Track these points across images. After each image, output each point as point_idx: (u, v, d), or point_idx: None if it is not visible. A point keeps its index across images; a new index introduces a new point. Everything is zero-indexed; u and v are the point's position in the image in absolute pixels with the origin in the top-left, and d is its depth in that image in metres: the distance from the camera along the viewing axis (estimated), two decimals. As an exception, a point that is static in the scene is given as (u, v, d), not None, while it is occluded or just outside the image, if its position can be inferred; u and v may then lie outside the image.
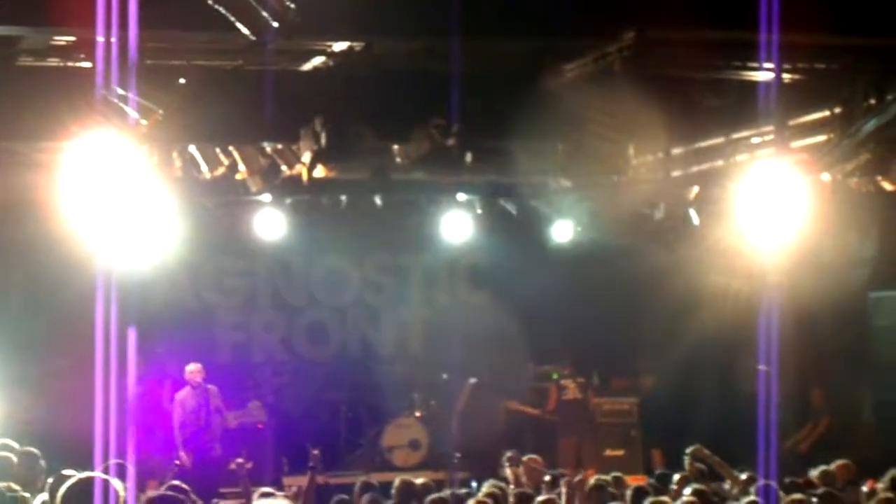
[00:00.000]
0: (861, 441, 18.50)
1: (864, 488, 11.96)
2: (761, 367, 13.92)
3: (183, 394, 17.07)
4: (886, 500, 11.22)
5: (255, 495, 11.72)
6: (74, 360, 13.28)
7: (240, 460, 16.99)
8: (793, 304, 15.56)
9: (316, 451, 12.99)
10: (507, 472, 14.85)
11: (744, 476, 12.78)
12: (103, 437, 8.41)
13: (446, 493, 12.92)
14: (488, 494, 12.00)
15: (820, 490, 11.59)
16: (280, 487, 16.30)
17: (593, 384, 19.20)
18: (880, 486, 11.87)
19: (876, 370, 18.85)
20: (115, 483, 5.75)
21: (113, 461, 8.03)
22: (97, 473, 5.92)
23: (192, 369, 17.08)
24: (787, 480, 12.55)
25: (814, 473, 13.07)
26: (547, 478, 13.75)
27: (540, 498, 11.63)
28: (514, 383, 19.50)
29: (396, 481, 12.86)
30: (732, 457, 14.15)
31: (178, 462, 16.74)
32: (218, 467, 16.98)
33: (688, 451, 13.87)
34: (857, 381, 19.09)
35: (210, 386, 17.15)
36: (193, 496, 10.74)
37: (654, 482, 13.79)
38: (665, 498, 11.59)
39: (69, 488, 5.79)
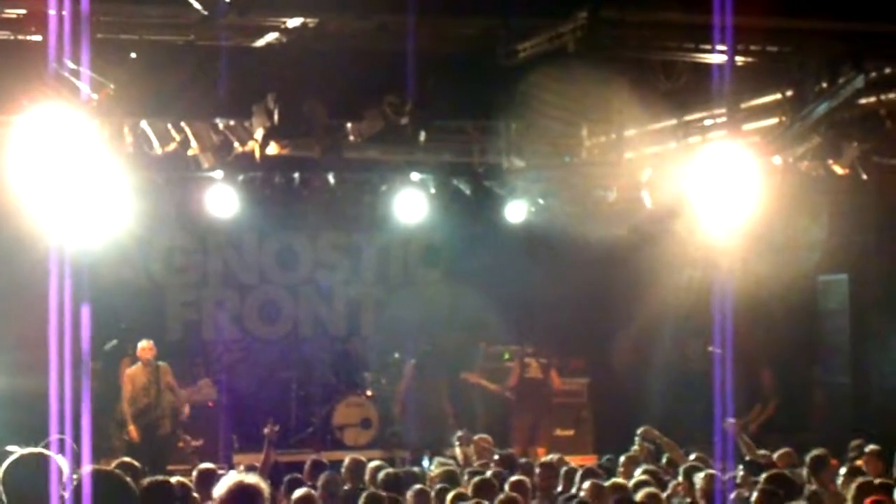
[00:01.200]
0: (809, 423, 18.67)
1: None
2: (714, 348, 14.01)
3: (134, 370, 17.00)
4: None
5: (195, 471, 11.71)
6: (27, 336, 13.21)
7: (187, 437, 16.97)
8: (744, 286, 15.67)
9: (276, 427, 13.00)
10: (458, 451, 14.90)
11: (692, 457, 12.87)
12: (58, 412, 8.37)
13: (399, 470, 12.97)
14: (444, 477, 12.02)
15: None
16: (231, 465, 16.29)
17: (554, 364, 19.22)
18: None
19: (824, 353, 18.99)
20: (59, 459, 5.71)
21: (55, 437, 7.97)
22: (40, 449, 5.88)
23: (144, 346, 17.02)
24: (747, 459, 12.70)
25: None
26: (496, 457, 13.81)
27: (514, 477, 11.67)
28: (466, 363, 19.53)
29: (347, 460, 12.88)
30: (683, 437, 14.27)
31: (126, 438, 16.69)
32: (167, 444, 16.95)
33: (638, 431, 13.97)
34: (805, 363, 19.24)
35: (161, 363, 17.09)
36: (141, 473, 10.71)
37: (603, 463, 13.89)
38: (621, 480, 11.66)
39: (11, 464, 5.75)
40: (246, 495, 6.19)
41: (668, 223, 15.34)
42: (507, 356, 19.45)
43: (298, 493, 10.35)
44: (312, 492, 10.47)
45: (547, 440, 18.43)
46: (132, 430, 16.65)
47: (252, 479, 6.25)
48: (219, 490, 6.28)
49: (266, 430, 12.86)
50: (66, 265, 9.23)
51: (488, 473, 12.07)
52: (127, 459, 11.46)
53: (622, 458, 13.37)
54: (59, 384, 9.04)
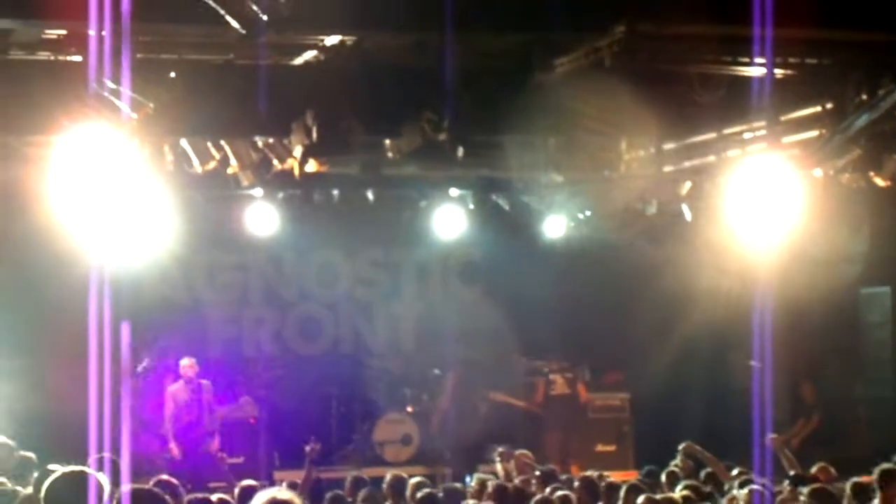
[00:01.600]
0: (853, 437, 18.52)
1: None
2: (753, 362, 13.93)
3: (176, 387, 17.08)
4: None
5: (236, 489, 11.71)
6: (67, 354, 13.28)
7: (223, 454, 17.02)
8: (784, 299, 15.58)
9: (318, 445, 12.99)
10: (498, 467, 14.83)
11: (734, 472, 12.79)
12: (97, 430, 8.40)
13: (438, 487, 12.92)
14: (496, 492, 11.98)
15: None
16: (272, 482, 16.31)
17: (584, 379, 19.18)
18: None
19: (867, 366, 18.85)
20: (100, 477, 5.74)
21: (98, 455, 8.01)
22: (81, 468, 5.91)
23: (186, 364, 17.09)
24: (792, 473, 12.60)
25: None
26: (538, 473, 13.74)
27: (559, 492, 11.62)
28: (506, 378, 19.49)
29: (388, 476, 12.85)
30: (723, 452, 14.17)
31: (167, 455, 16.75)
32: (208, 461, 16.99)
33: (680, 447, 13.88)
34: (848, 377, 19.09)
35: (203, 381, 17.15)
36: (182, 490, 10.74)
37: (643, 478, 13.81)
38: (675, 496, 11.58)
39: (53, 482, 5.78)
40: None
41: (708, 237, 15.29)
42: (545, 371, 19.41)
43: None
44: None
45: (581, 456, 18.34)
46: (173, 447, 16.72)
47: (286, 494, 6.21)
48: (253, 506, 6.25)
49: (307, 449, 12.85)
50: (106, 284, 9.28)
51: (548, 491, 11.98)
52: (166, 477, 11.49)
53: (663, 475, 13.29)
54: (99, 402, 9.08)
